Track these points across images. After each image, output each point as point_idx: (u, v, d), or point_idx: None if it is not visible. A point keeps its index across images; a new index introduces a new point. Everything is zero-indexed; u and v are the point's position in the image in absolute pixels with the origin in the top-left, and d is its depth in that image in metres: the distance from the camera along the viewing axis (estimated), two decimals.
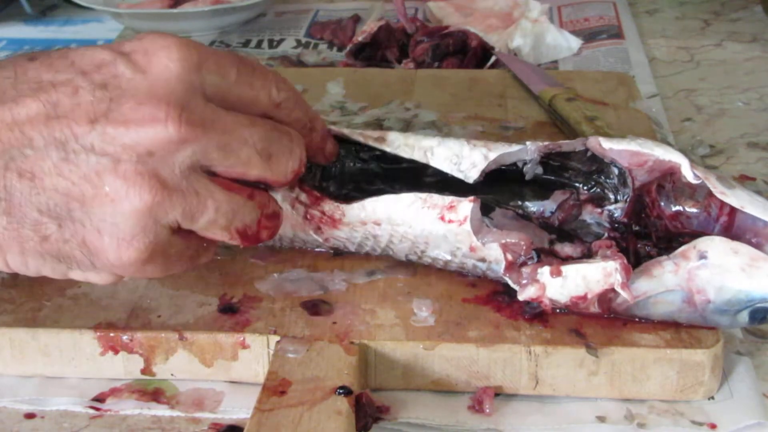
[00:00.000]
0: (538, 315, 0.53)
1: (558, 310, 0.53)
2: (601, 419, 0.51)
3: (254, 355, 0.52)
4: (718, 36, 1.03)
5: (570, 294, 0.51)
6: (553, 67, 0.95)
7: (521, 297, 0.52)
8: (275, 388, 0.48)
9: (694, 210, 0.54)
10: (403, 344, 0.52)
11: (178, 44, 0.46)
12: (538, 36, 0.97)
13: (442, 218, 0.53)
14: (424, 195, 0.54)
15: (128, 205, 0.44)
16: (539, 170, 0.57)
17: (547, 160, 0.57)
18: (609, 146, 0.54)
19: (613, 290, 0.51)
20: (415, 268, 0.58)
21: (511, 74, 0.85)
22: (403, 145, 0.57)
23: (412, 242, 0.55)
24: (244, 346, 0.52)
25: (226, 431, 0.51)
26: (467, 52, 0.92)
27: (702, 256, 0.50)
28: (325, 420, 0.46)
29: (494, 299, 0.55)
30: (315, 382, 0.49)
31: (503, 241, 0.53)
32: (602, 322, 0.52)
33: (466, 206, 0.53)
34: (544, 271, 0.52)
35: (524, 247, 0.53)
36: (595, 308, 0.52)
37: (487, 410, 0.51)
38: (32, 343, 0.53)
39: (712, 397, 0.52)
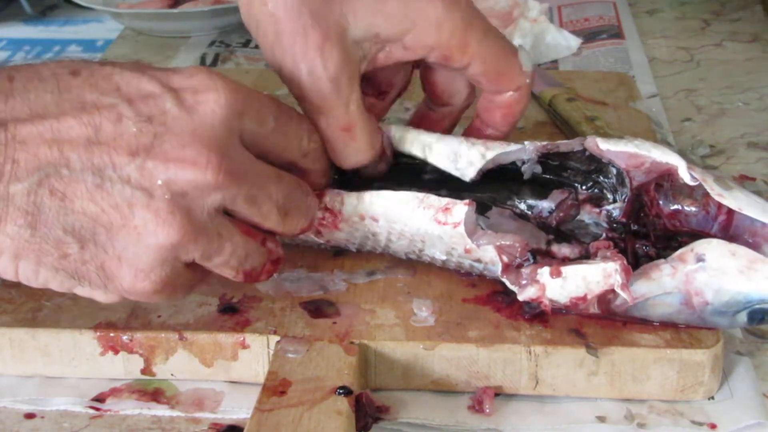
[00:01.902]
0: (539, 315, 0.53)
1: (558, 311, 0.53)
2: (601, 419, 0.51)
3: (254, 355, 0.52)
4: (718, 36, 1.03)
5: (570, 294, 0.51)
6: (553, 67, 0.95)
7: (521, 297, 0.52)
8: (275, 388, 0.48)
9: (692, 208, 0.54)
10: (403, 344, 0.52)
11: (226, 89, 0.47)
12: (537, 36, 0.97)
13: (437, 220, 0.53)
14: (421, 195, 0.54)
15: (154, 240, 0.45)
16: (538, 169, 0.57)
17: (545, 159, 0.57)
18: (606, 147, 0.55)
19: (612, 291, 0.51)
20: (415, 269, 0.58)
21: None
22: (404, 137, 0.57)
23: (410, 240, 0.55)
24: (244, 346, 0.52)
25: (226, 431, 0.51)
26: None
27: (700, 259, 0.50)
28: (325, 420, 0.46)
29: (494, 299, 0.55)
30: (315, 382, 0.49)
31: (498, 243, 0.53)
32: (602, 322, 0.52)
33: (460, 209, 0.53)
34: (544, 272, 0.52)
35: (519, 249, 0.53)
36: (594, 309, 0.52)
37: (487, 410, 0.51)
38: (32, 343, 0.53)
39: (712, 397, 0.52)
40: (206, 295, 0.55)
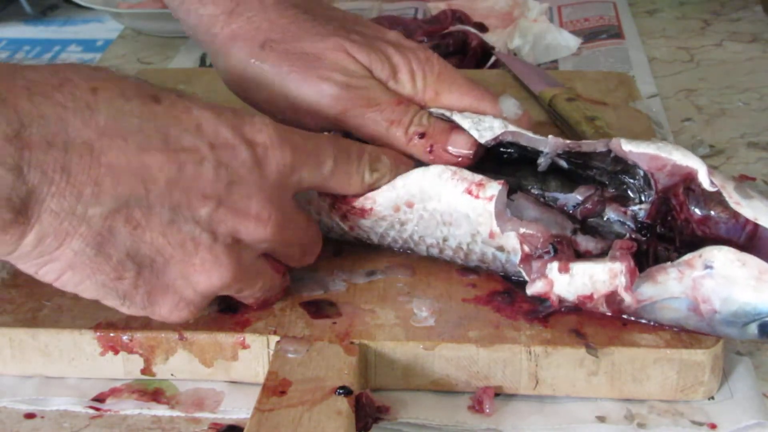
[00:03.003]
0: (550, 315, 0.52)
1: (564, 309, 0.53)
2: (601, 419, 0.51)
3: (254, 355, 0.52)
4: (718, 36, 1.03)
5: (577, 292, 0.51)
6: (553, 67, 0.95)
7: (529, 291, 0.52)
8: (275, 388, 0.48)
9: (723, 216, 0.53)
10: (403, 344, 0.52)
11: (291, 147, 0.50)
12: (537, 36, 0.97)
13: (470, 192, 0.53)
14: (453, 167, 0.54)
15: (206, 279, 0.48)
16: (563, 164, 0.57)
17: (568, 157, 0.57)
18: (629, 148, 0.54)
19: (626, 288, 0.50)
20: (415, 269, 0.58)
21: (511, 74, 0.85)
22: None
23: (437, 222, 0.55)
24: (244, 346, 0.52)
25: (226, 431, 0.51)
26: (467, 52, 0.92)
27: (707, 266, 0.49)
28: (325, 420, 0.46)
29: (494, 299, 0.55)
30: (315, 382, 0.49)
31: (521, 231, 0.53)
32: (602, 322, 0.52)
33: (494, 187, 0.53)
34: (553, 267, 0.52)
35: (541, 240, 0.53)
36: (604, 308, 0.52)
37: (487, 410, 0.51)
38: (32, 343, 0.53)
39: (712, 397, 0.52)
40: None
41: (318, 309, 0.54)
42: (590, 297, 0.51)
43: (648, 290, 0.51)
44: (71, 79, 0.45)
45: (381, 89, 0.58)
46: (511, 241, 0.53)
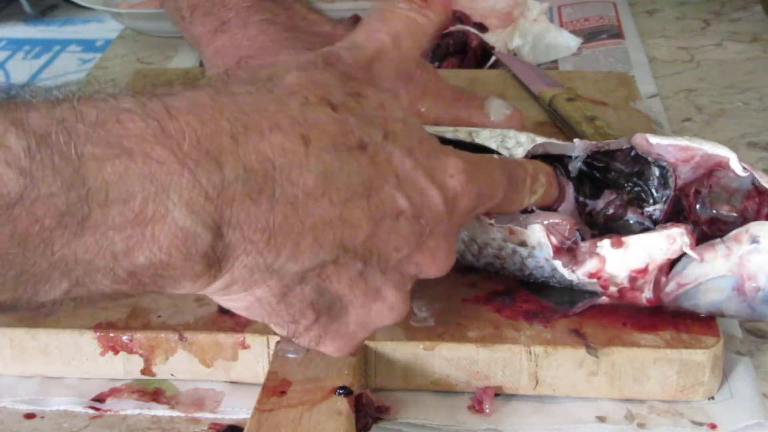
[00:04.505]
0: (587, 310, 0.52)
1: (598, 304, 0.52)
2: (601, 419, 0.51)
3: (254, 355, 0.52)
4: (718, 36, 1.03)
5: (630, 267, 0.51)
6: (553, 67, 0.95)
7: (580, 272, 0.51)
8: (275, 388, 0.48)
9: (731, 215, 0.53)
10: (403, 344, 0.52)
11: (475, 188, 0.47)
12: (537, 36, 0.97)
13: None
14: None
15: (379, 322, 0.46)
16: (584, 168, 0.57)
17: (591, 160, 0.57)
18: (656, 141, 0.54)
19: (665, 273, 0.50)
20: None
21: (511, 74, 0.85)
22: (450, 129, 0.58)
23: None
24: (244, 346, 0.52)
25: (226, 431, 0.51)
26: (467, 52, 0.92)
27: (754, 240, 0.49)
28: (325, 420, 0.46)
29: (494, 299, 0.55)
30: (315, 382, 0.49)
31: (546, 222, 0.52)
32: (602, 322, 0.52)
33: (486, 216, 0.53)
34: (605, 244, 0.51)
35: (568, 228, 0.52)
36: (648, 293, 0.51)
37: (487, 410, 0.51)
38: (32, 343, 0.53)
39: (712, 397, 0.52)
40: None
41: None
42: (644, 270, 0.50)
43: (694, 271, 0.50)
44: (279, 124, 0.41)
45: None
46: (535, 234, 0.52)
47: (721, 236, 0.52)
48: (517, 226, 0.52)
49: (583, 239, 0.52)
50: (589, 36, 1.02)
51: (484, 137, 0.57)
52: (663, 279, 0.51)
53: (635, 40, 1.01)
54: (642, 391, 0.51)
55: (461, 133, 0.57)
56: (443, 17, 0.50)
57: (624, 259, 0.51)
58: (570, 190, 0.55)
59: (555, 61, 0.97)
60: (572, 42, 0.98)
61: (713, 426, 0.50)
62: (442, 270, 0.47)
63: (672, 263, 0.51)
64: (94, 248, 0.37)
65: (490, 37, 0.96)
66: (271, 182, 0.40)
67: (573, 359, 0.51)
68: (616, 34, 1.03)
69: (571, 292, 0.54)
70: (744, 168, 0.52)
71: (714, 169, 0.53)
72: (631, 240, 0.51)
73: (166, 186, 0.37)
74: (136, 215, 0.37)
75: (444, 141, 0.56)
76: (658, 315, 0.52)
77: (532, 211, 0.53)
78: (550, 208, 0.54)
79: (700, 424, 0.50)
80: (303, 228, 0.41)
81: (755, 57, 0.98)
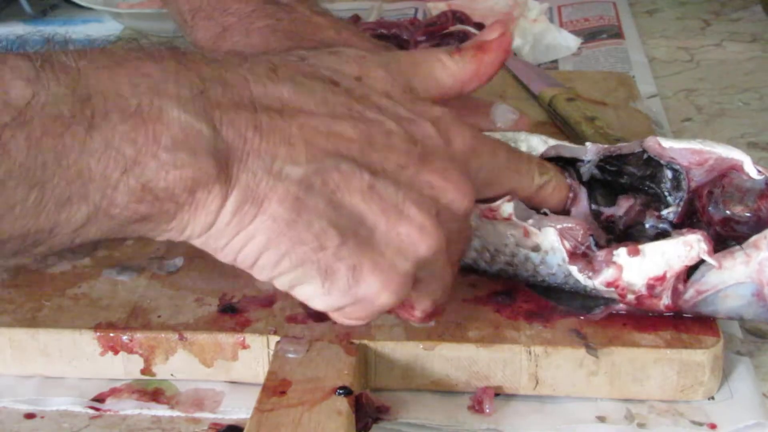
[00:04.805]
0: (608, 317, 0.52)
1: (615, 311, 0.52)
2: (601, 419, 0.51)
3: (254, 355, 0.52)
4: (718, 36, 1.03)
5: (648, 274, 0.50)
6: (553, 67, 0.95)
7: (597, 281, 0.51)
8: (275, 388, 0.48)
9: (744, 215, 0.53)
10: (403, 344, 0.52)
11: (470, 128, 0.49)
12: (537, 36, 0.97)
13: (486, 216, 0.53)
14: None
15: (413, 251, 0.45)
16: (597, 173, 0.57)
17: (603, 164, 0.56)
18: (669, 145, 0.54)
19: (684, 281, 0.50)
20: None
21: (511, 74, 0.85)
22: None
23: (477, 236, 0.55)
24: (244, 346, 0.52)
25: (226, 431, 0.51)
26: None
27: None
28: (325, 420, 0.46)
29: (494, 299, 0.55)
30: (315, 382, 0.49)
31: (560, 227, 0.52)
32: (602, 322, 0.52)
33: (507, 207, 0.52)
34: (621, 252, 0.50)
35: (581, 233, 0.52)
36: (666, 299, 0.51)
37: (487, 410, 0.51)
38: (32, 343, 0.53)
39: (712, 397, 0.52)
40: (206, 295, 0.55)
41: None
42: (662, 278, 0.50)
43: (712, 278, 0.50)
44: (247, 59, 0.45)
45: None
46: (549, 237, 0.52)
47: (735, 236, 0.52)
48: (533, 227, 0.52)
49: (597, 245, 0.52)
50: (589, 36, 1.02)
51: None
52: (681, 286, 0.51)
53: (635, 40, 1.02)
54: (642, 391, 0.51)
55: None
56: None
57: (641, 267, 0.50)
58: (583, 194, 0.55)
59: (555, 61, 0.97)
60: (572, 42, 0.98)
61: (713, 426, 0.50)
62: (463, 194, 0.47)
63: (689, 269, 0.51)
64: (105, 159, 0.39)
65: None
66: (248, 91, 0.43)
67: (573, 359, 0.51)
68: (616, 34, 1.03)
69: (583, 297, 0.53)
70: (759, 171, 0.52)
71: (727, 171, 0.53)
72: (647, 248, 0.50)
73: (155, 89, 0.41)
74: (133, 116, 0.40)
75: None
76: (658, 315, 0.52)
77: (546, 214, 0.53)
78: (563, 212, 0.54)
79: (700, 424, 0.50)
80: (291, 131, 0.43)
81: (755, 57, 0.98)
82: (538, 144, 0.56)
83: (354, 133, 0.45)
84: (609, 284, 0.51)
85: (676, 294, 0.51)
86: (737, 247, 0.50)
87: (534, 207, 0.54)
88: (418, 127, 0.47)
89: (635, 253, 0.50)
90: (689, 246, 0.49)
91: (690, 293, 0.50)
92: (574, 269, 0.52)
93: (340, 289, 0.45)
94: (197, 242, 0.44)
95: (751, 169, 0.52)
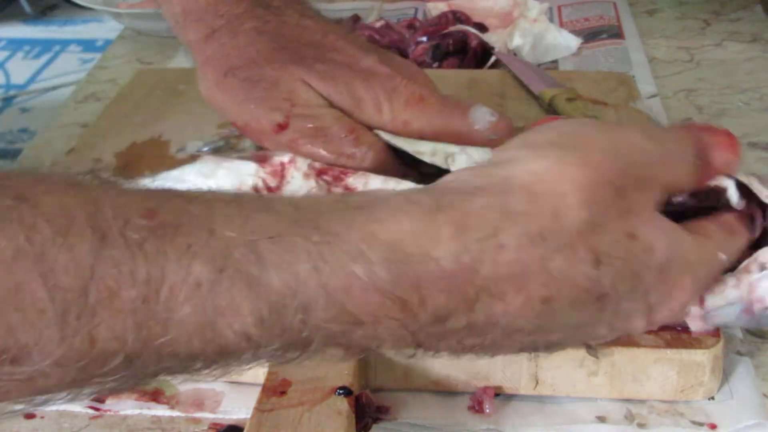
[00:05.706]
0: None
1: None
2: (601, 419, 0.51)
3: None
4: (718, 36, 1.03)
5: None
6: (553, 67, 0.95)
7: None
8: (275, 388, 0.48)
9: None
10: None
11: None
12: (537, 36, 0.97)
13: None
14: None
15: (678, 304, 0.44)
16: None
17: None
18: None
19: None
20: None
21: (511, 74, 0.85)
22: (423, 149, 0.56)
23: None
24: None
25: (226, 431, 0.51)
26: (467, 52, 0.92)
27: (763, 267, 0.49)
28: (325, 420, 0.46)
29: None
30: (315, 382, 0.49)
31: None
32: None
33: None
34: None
35: None
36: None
37: (487, 410, 0.51)
38: None
39: (712, 398, 0.52)
40: None
41: None
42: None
43: (707, 302, 0.50)
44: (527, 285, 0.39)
45: (333, 119, 0.56)
46: None
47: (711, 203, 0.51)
48: None
49: None
50: (589, 36, 1.02)
51: (460, 163, 0.54)
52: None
53: (635, 40, 1.01)
54: (642, 391, 0.51)
55: (438, 158, 0.56)
56: None
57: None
58: None
59: (555, 61, 0.97)
60: (572, 42, 0.98)
61: (713, 426, 0.50)
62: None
63: None
64: None
65: (490, 37, 0.96)
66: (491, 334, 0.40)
67: (573, 359, 0.51)
68: (616, 34, 1.03)
69: None
70: (740, 197, 0.49)
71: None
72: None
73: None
74: None
75: (421, 165, 0.56)
76: None
77: None
78: None
79: (700, 424, 0.50)
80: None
81: (755, 57, 0.98)
82: (482, 155, 0.54)
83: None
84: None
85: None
86: (728, 274, 0.50)
87: None
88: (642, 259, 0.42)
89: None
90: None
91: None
92: None
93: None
94: None
95: (733, 195, 0.50)
